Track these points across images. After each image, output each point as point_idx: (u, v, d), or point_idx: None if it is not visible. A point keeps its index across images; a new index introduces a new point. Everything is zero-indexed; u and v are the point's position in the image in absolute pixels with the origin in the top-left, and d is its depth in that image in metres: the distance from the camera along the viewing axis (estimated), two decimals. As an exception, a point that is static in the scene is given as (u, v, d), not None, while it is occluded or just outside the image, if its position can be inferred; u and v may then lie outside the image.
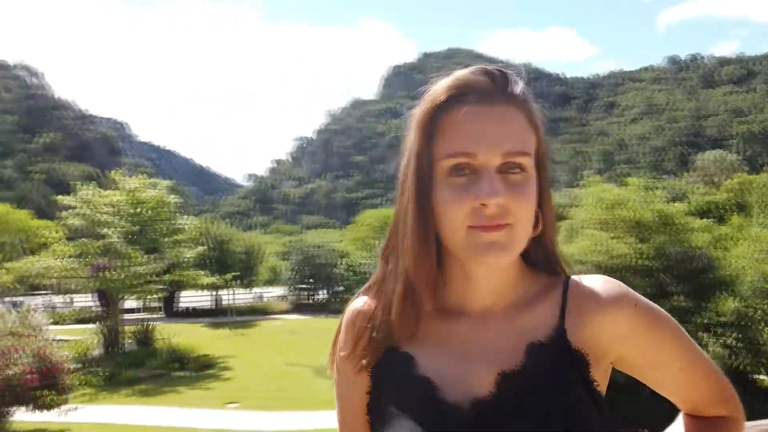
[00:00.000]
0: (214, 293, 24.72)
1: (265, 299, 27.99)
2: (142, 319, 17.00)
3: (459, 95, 0.78)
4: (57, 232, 14.98)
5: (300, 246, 28.30)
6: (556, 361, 0.77)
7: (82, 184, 15.53)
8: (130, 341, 14.92)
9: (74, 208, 14.72)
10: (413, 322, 0.83)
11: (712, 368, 0.87)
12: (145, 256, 14.47)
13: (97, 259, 14.10)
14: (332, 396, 0.94)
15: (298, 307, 26.03)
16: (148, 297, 17.99)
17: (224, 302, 25.16)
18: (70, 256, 14.18)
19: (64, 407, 7.93)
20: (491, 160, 0.75)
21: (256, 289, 28.14)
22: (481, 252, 0.75)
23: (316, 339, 15.67)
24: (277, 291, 29.52)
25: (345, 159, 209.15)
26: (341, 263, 27.59)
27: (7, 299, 16.56)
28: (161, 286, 15.52)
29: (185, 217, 17.55)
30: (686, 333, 0.86)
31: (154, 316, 21.07)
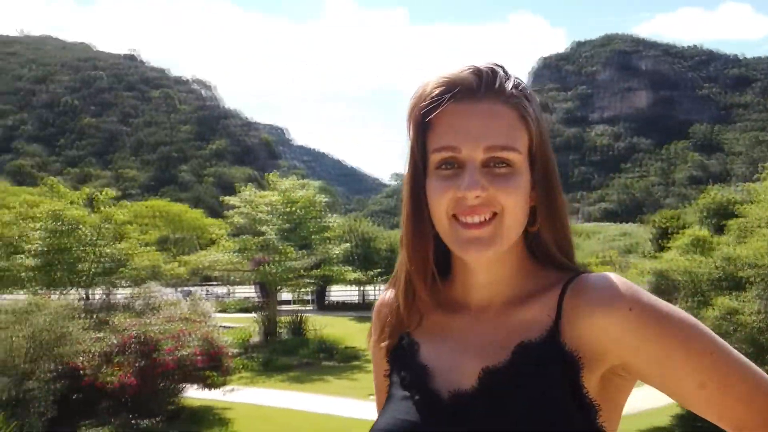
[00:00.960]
0: (360, 288, 25.73)
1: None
2: (296, 311, 18.21)
3: (447, 92, 0.80)
4: (223, 230, 16.59)
5: (443, 244, 28.38)
6: (544, 361, 0.76)
7: (244, 186, 17.05)
8: (284, 330, 16.05)
9: (237, 207, 16.19)
10: (415, 309, 0.88)
11: (757, 386, 0.75)
12: (298, 252, 15.47)
13: (256, 254, 15.37)
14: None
15: (441, 305, 26.08)
16: (301, 290, 19.22)
17: (370, 297, 26.07)
18: (233, 251, 15.62)
19: (226, 388, 8.74)
20: (474, 154, 0.78)
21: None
22: (464, 247, 0.79)
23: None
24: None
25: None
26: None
27: (181, 289, 18.68)
28: (311, 280, 16.48)
29: (332, 215, 18.46)
30: (719, 342, 0.76)
31: (307, 308, 22.47)
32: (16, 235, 12.91)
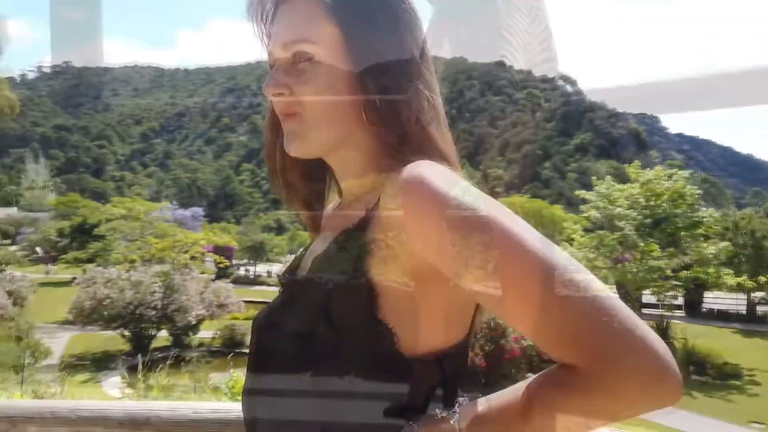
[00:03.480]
0: (747, 296, 21.74)
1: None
2: (661, 316, 16.59)
3: None
4: (578, 225, 16.29)
5: None
6: (348, 246, 0.75)
7: (602, 180, 16.36)
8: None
9: (592, 202, 15.67)
10: (305, 214, 0.93)
11: (565, 294, 0.61)
12: (663, 251, 14.08)
13: (614, 251, 14.57)
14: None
15: None
16: (667, 293, 17.44)
17: (761, 308, 21.76)
18: (588, 247, 15.17)
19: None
20: (277, 53, 0.80)
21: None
22: (284, 141, 0.82)
23: None
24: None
25: None
26: None
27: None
28: (680, 283, 14.76)
29: (708, 209, 16.18)
30: (517, 236, 0.64)
31: (675, 314, 20.19)
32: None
